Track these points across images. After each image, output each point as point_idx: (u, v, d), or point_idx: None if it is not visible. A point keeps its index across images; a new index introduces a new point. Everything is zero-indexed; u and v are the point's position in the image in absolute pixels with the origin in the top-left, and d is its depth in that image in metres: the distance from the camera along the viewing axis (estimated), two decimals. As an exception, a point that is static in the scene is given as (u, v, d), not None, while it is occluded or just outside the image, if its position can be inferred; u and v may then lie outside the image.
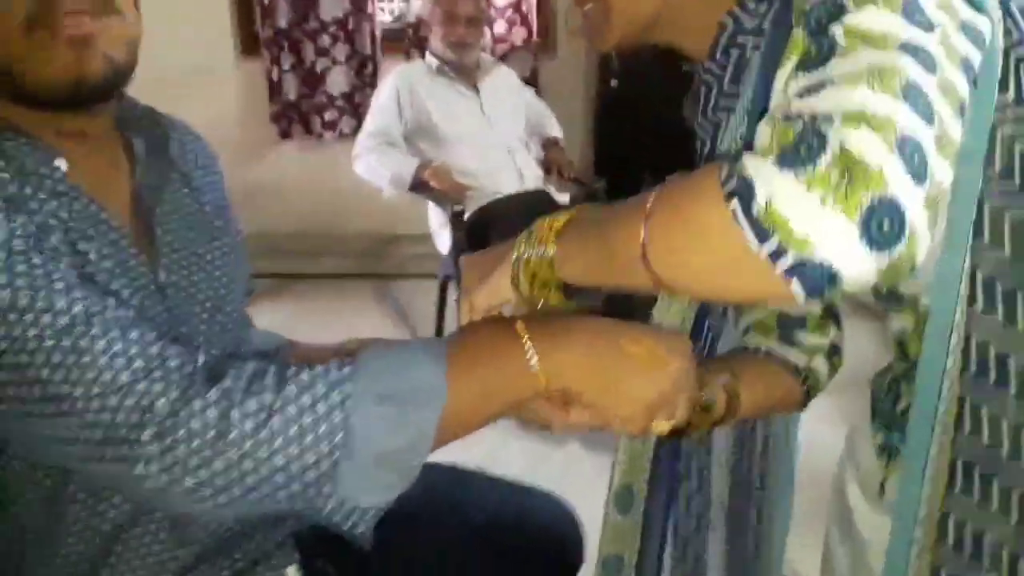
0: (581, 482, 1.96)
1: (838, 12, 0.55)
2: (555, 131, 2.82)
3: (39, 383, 0.61)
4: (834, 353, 0.91)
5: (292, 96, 3.55)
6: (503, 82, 2.74)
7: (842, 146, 0.48)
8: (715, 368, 0.85)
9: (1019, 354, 0.65)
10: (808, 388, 0.90)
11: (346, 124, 3.59)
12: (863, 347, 1.09)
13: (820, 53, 0.54)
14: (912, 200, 0.48)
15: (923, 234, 0.50)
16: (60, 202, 0.71)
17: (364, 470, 0.62)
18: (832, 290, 0.50)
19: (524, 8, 3.50)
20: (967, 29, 0.57)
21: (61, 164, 0.73)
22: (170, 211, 0.84)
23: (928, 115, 0.50)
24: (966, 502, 0.68)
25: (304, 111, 3.59)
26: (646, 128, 3.20)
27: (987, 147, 0.62)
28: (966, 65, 0.55)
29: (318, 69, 3.51)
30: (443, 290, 2.72)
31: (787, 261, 0.49)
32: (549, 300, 0.70)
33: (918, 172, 0.49)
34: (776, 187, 0.49)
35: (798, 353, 0.90)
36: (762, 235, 0.49)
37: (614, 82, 3.12)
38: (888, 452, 0.83)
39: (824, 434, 1.21)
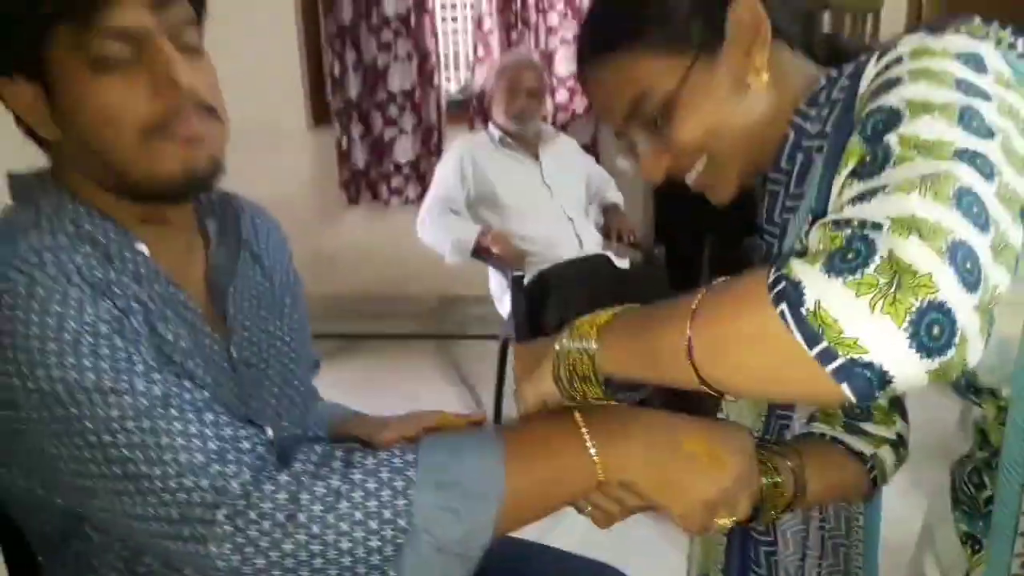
0: (642, 553, 1.94)
1: (895, 120, 0.57)
2: (615, 197, 2.86)
3: (119, 462, 0.65)
4: (900, 444, 0.91)
5: (360, 164, 3.69)
6: (564, 151, 2.80)
7: (891, 253, 0.49)
8: (784, 453, 0.85)
9: None
10: (874, 477, 0.89)
11: (412, 191, 3.71)
12: (939, 419, 1.07)
13: (875, 161, 0.55)
14: (963, 306, 0.49)
15: (975, 338, 0.50)
16: (141, 285, 0.75)
17: (425, 556, 0.65)
18: (882, 392, 0.50)
19: (585, 78, 3.59)
20: None
21: (143, 248, 0.77)
22: (241, 290, 0.88)
23: (983, 222, 0.51)
24: None
25: (372, 178, 3.72)
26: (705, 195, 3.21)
27: None
28: None
29: (386, 138, 3.65)
30: (503, 352, 2.75)
31: (837, 363, 0.50)
32: (588, 395, 0.71)
33: (970, 279, 0.49)
34: (825, 291, 0.50)
35: (864, 442, 0.89)
36: (811, 337, 0.50)
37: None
38: (972, 541, 0.82)
39: (898, 507, 1.18)
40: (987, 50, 0.62)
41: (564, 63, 3.58)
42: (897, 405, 0.91)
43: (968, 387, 0.77)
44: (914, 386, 0.51)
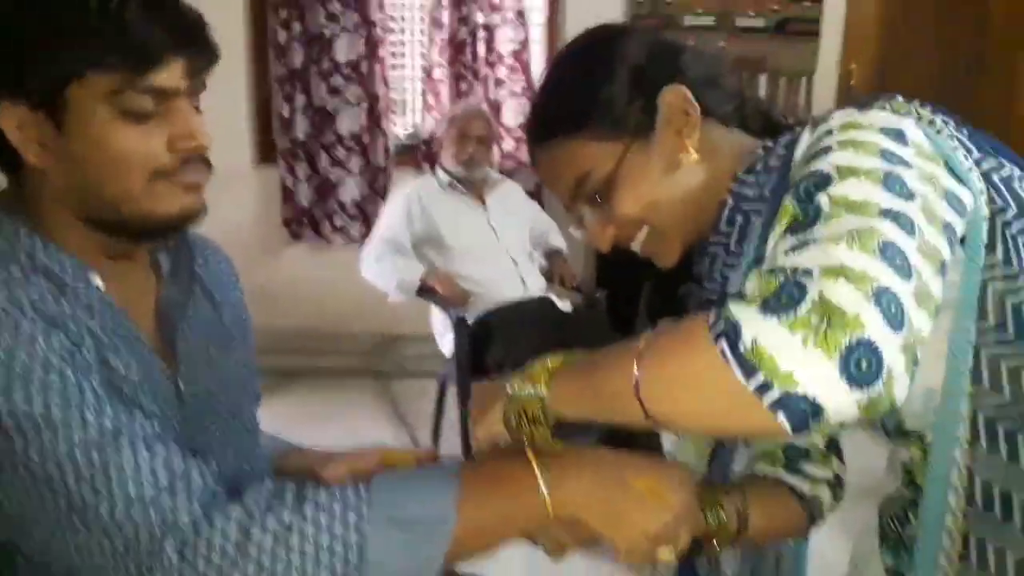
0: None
1: (825, 182, 0.62)
2: (558, 242, 2.94)
3: (66, 494, 0.65)
4: (837, 484, 0.96)
5: (305, 202, 3.69)
6: (510, 196, 2.88)
7: (821, 295, 0.54)
8: (728, 489, 0.89)
9: (1022, 492, 0.69)
10: (812, 515, 0.95)
11: (356, 230, 3.72)
12: (867, 463, 1.14)
13: (807, 218, 0.61)
14: (889, 344, 0.53)
15: (900, 375, 0.54)
16: (93, 317, 0.74)
17: None
18: (816, 424, 0.55)
19: (530, 128, 3.70)
20: (950, 198, 0.64)
21: (97, 281, 0.77)
22: (192, 324, 0.87)
23: (905, 271, 0.56)
24: None
25: (315, 216, 3.72)
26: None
27: (979, 302, 0.68)
28: (949, 230, 0.62)
29: (332, 178, 3.67)
30: (442, 391, 2.77)
31: (773, 395, 0.54)
32: (537, 437, 0.74)
33: (894, 320, 0.53)
34: (761, 329, 0.54)
35: (804, 482, 0.94)
36: (749, 371, 0.54)
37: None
38: (895, 574, 0.87)
39: (827, 548, 1.24)
40: (908, 125, 0.68)
41: (511, 114, 3.68)
42: (834, 447, 0.97)
43: (896, 431, 0.83)
44: (845, 418, 0.55)
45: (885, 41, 3.45)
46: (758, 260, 0.75)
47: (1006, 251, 0.69)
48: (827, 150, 0.66)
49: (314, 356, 3.58)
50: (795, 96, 3.62)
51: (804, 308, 0.53)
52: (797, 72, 3.45)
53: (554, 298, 2.68)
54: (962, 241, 0.68)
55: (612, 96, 0.81)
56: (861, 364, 0.52)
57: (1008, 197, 0.70)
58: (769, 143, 0.82)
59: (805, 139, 0.73)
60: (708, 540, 0.86)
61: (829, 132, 0.69)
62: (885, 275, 0.54)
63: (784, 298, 0.54)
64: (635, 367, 0.62)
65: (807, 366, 0.53)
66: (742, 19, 3.38)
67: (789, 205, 0.64)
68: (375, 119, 3.64)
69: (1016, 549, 0.70)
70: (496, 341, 2.44)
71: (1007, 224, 0.69)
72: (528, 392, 0.74)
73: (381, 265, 2.62)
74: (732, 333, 0.55)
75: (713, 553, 0.90)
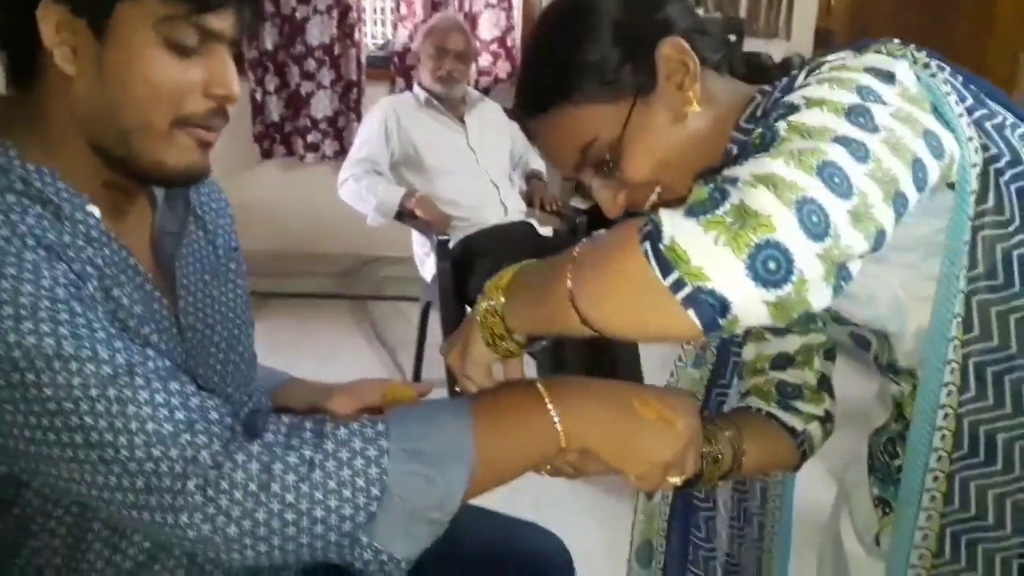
0: (567, 514, 2.02)
1: (790, 112, 0.62)
2: (537, 163, 2.88)
3: (81, 430, 0.63)
4: (828, 420, 0.98)
5: (275, 117, 3.57)
6: (489, 116, 2.79)
7: (741, 200, 0.55)
8: (722, 424, 0.91)
9: (1007, 433, 0.71)
10: (803, 451, 0.97)
11: (328, 147, 3.63)
12: (855, 391, 1.14)
13: (763, 143, 0.61)
14: (802, 249, 0.54)
15: (816, 281, 0.55)
16: (94, 248, 0.73)
17: (398, 523, 0.66)
18: (726, 322, 0.56)
19: (509, 42, 3.58)
20: (928, 137, 0.63)
21: (94, 210, 0.75)
22: (187, 255, 0.87)
23: (843, 190, 0.56)
24: (956, 569, 0.74)
25: (287, 132, 3.61)
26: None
27: (970, 250, 0.69)
28: (918, 166, 0.61)
29: (303, 92, 3.55)
30: (425, 316, 2.75)
31: (685, 292, 0.55)
32: (512, 350, 0.76)
33: (815, 229, 0.54)
34: (680, 229, 0.56)
35: (795, 418, 0.96)
36: (665, 268, 0.56)
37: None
38: (884, 504, 0.90)
39: (811, 476, 1.27)
40: (900, 67, 0.67)
41: (488, 27, 3.55)
42: (825, 385, 0.98)
43: (889, 368, 0.85)
44: (755, 317, 0.56)
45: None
46: None
47: (998, 198, 0.69)
48: (805, 86, 0.66)
49: (288, 278, 3.53)
50: (776, 9, 3.54)
51: (722, 210, 0.55)
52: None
53: (535, 223, 2.64)
54: (952, 188, 0.68)
55: (603, 57, 0.78)
56: (768, 264, 0.54)
57: (1001, 145, 0.70)
58: (767, 87, 0.80)
59: (800, 80, 0.71)
60: (705, 474, 0.88)
61: (817, 71, 0.69)
62: (814, 188, 0.55)
63: (708, 202, 0.56)
64: (569, 273, 0.64)
65: (715, 262, 0.54)
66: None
67: (755, 136, 0.63)
68: (346, 29, 3.49)
69: (996, 488, 0.73)
70: (478, 267, 2.41)
71: (1000, 172, 0.69)
72: (487, 306, 0.75)
73: (359, 187, 2.55)
74: (655, 233, 0.57)
75: (709, 486, 0.92)
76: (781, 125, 0.61)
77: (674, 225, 0.56)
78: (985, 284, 0.70)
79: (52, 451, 0.64)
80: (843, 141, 0.58)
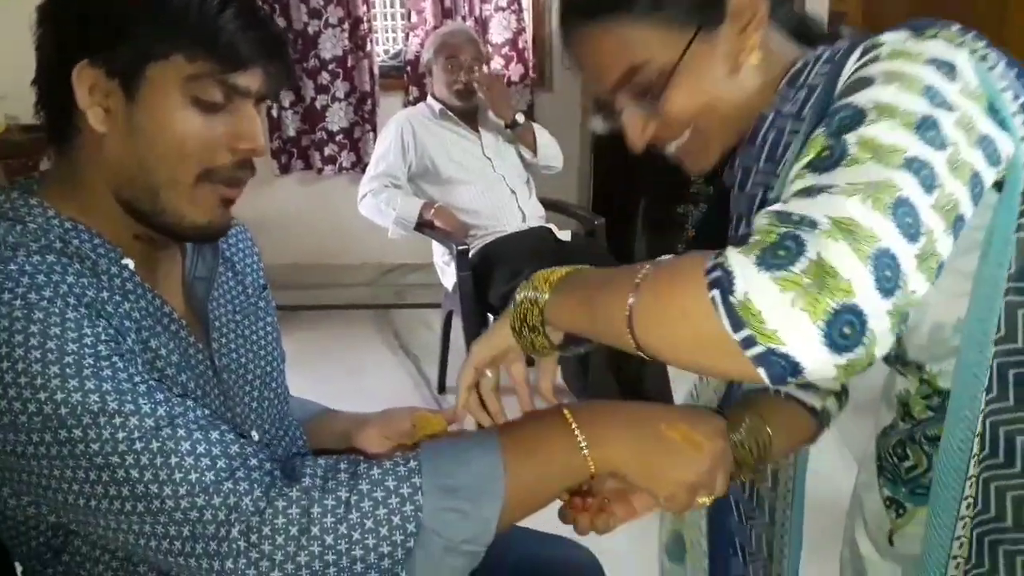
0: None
1: (858, 120, 0.60)
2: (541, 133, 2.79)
3: (128, 483, 0.65)
4: (843, 394, 0.97)
5: (292, 132, 3.61)
6: (502, 123, 2.80)
7: (819, 255, 0.54)
8: (747, 416, 0.88)
9: None
10: (820, 426, 0.95)
11: (345, 159, 3.66)
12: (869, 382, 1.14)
13: (831, 157, 0.59)
14: (876, 310, 0.53)
15: (883, 338, 0.55)
16: (130, 302, 0.75)
17: (434, 558, 0.68)
18: (794, 379, 0.56)
19: (520, 45, 3.58)
20: (985, 145, 0.62)
21: (129, 263, 0.78)
22: (218, 296, 0.89)
23: (913, 233, 0.55)
24: (981, 572, 0.74)
25: (304, 146, 3.65)
26: (642, 162, 3.27)
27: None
28: (975, 180, 0.60)
29: (318, 106, 3.58)
30: (447, 324, 2.77)
31: (756, 351, 0.54)
32: (536, 345, 0.77)
33: (888, 285, 0.54)
34: (753, 283, 0.54)
35: (814, 396, 0.94)
36: (737, 324, 0.55)
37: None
38: (896, 505, 0.89)
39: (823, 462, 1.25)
40: (961, 59, 0.65)
41: (499, 30, 3.56)
42: None
43: (897, 359, 0.83)
44: (823, 377, 0.56)
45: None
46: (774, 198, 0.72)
47: None
48: (869, 81, 0.63)
49: (311, 291, 3.56)
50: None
51: (799, 266, 0.54)
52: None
53: (554, 228, 2.65)
54: (999, 186, 0.66)
55: None
56: (844, 330, 0.53)
57: None
58: (812, 55, 0.76)
59: (852, 62, 0.68)
60: (736, 470, 0.86)
61: (876, 59, 0.66)
62: (889, 235, 0.54)
63: (782, 251, 0.54)
64: (630, 295, 0.63)
65: (792, 327, 0.53)
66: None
67: (820, 137, 0.62)
68: (358, 41, 3.51)
69: (1015, 491, 0.72)
70: (498, 274, 2.42)
71: None
72: (529, 295, 0.75)
73: (377, 201, 2.57)
74: (726, 282, 0.55)
75: (746, 477, 0.91)
76: (850, 139, 0.59)
77: (747, 279, 0.54)
78: (1015, 286, 0.68)
79: (101, 504, 0.66)
80: (914, 167, 0.57)
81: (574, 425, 0.73)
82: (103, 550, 0.77)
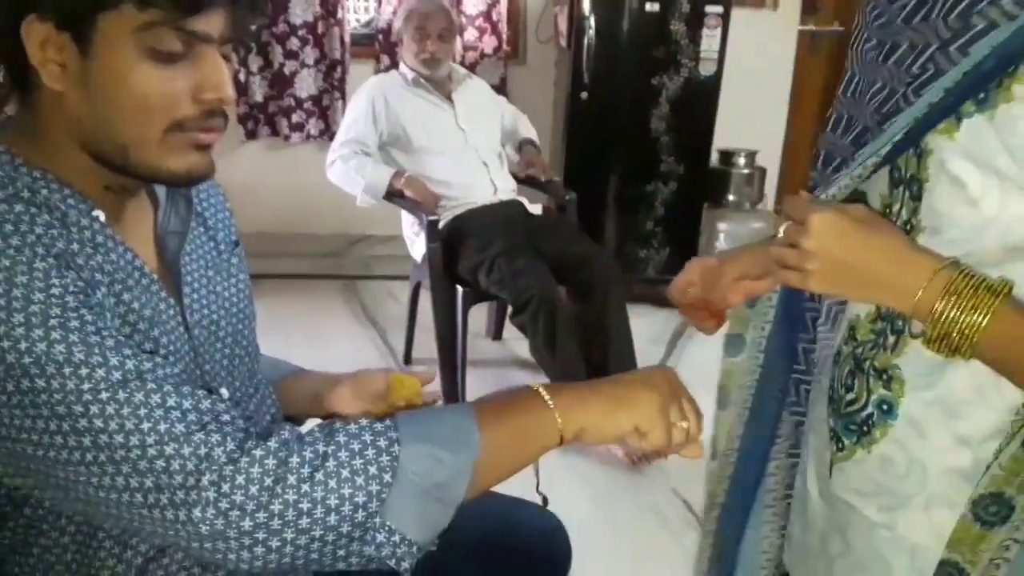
0: (564, 489, 2.04)
1: None
2: (529, 132, 2.85)
3: (91, 432, 0.64)
4: None
5: (259, 98, 3.54)
6: (477, 94, 2.77)
7: None
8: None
9: None
10: None
11: (313, 127, 3.60)
12: None
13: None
14: None
15: None
16: (102, 255, 0.73)
17: (409, 501, 0.68)
18: None
19: (494, 17, 3.55)
20: None
21: (100, 215, 0.75)
22: (190, 251, 0.87)
23: None
24: None
25: (271, 113, 3.58)
26: (614, 139, 3.28)
27: None
28: None
29: (286, 72, 3.51)
30: (415, 295, 2.76)
31: None
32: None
33: None
34: None
35: None
36: None
37: (584, 95, 3.19)
38: (836, 439, 0.86)
39: None
40: None
41: (473, 2, 3.52)
42: None
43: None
44: None
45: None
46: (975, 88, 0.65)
47: None
48: None
49: (277, 259, 3.51)
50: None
51: None
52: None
53: (525, 201, 2.64)
54: None
55: None
56: None
57: None
58: None
59: None
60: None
61: None
62: None
63: None
64: None
65: None
66: None
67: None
68: (329, 7, 3.45)
69: None
70: (468, 246, 2.41)
71: None
72: (964, 318, 0.67)
73: (347, 168, 2.53)
74: None
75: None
76: None
77: None
78: None
79: (60, 455, 0.65)
80: None
81: (542, 391, 0.75)
82: (56, 518, 0.75)
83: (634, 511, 2.08)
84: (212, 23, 0.70)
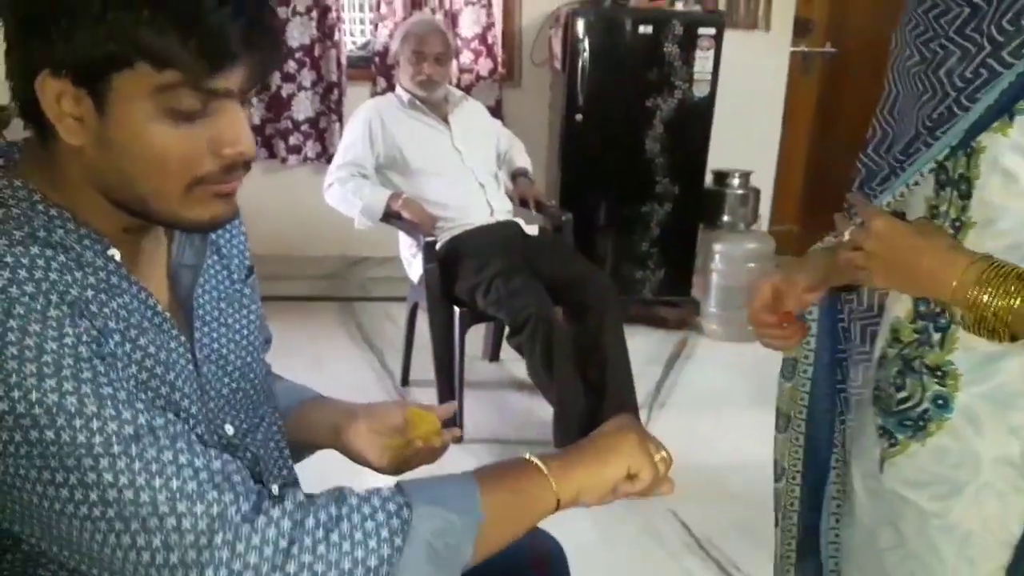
0: (562, 515, 2.03)
1: None
2: (524, 161, 2.88)
3: (99, 487, 0.62)
4: None
5: (256, 120, 3.56)
6: (473, 115, 2.79)
7: None
8: None
9: None
10: None
11: (311, 149, 3.62)
12: None
13: None
14: None
15: None
16: (116, 297, 0.71)
17: (420, 566, 0.70)
18: None
19: (490, 40, 3.58)
20: None
21: (115, 253, 0.73)
22: (203, 284, 0.85)
23: None
24: None
25: (268, 135, 3.60)
26: (609, 160, 3.30)
27: None
28: None
29: (283, 94, 3.53)
30: (412, 317, 2.76)
31: None
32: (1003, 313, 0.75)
33: None
34: None
35: None
36: None
37: (579, 117, 3.22)
38: (887, 435, 0.91)
39: None
40: None
41: (469, 24, 3.56)
42: None
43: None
44: None
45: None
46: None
47: None
48: None
49: (274, 282, 3.49)
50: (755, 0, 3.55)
51: None
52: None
53: (521, 222, 2.65)
54: None
55: None
56: None
57: None
58: None
59: None
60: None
61: None
62: None
63: None
64: None
65: None
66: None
67: None
68: (326, 30, 3.48)
69: None
70: (464, 267, 2.41)
71: None
72: (997, 302, 0.73)
73: (344, 191, 2.55)
74: None
75: None
76: None
77: None
78: None
79: (65, 508, 0.63)
80: None
81: (534, 459, 0.79)
82: (49, 563, 0.73)
83: (632, 532, 2.08)
84: (232, 79, 0.67)
